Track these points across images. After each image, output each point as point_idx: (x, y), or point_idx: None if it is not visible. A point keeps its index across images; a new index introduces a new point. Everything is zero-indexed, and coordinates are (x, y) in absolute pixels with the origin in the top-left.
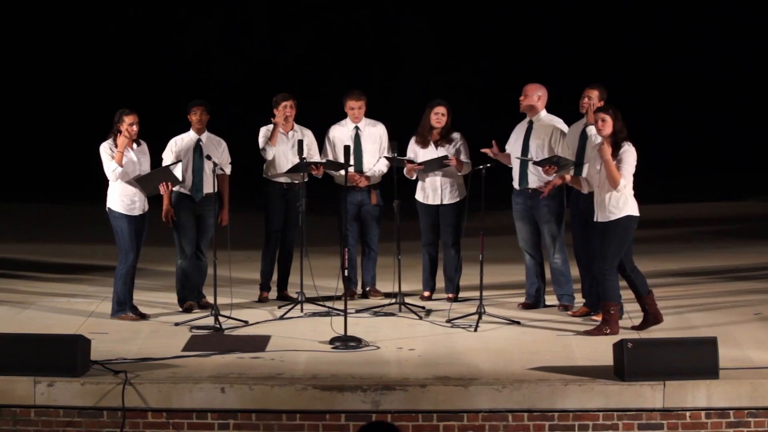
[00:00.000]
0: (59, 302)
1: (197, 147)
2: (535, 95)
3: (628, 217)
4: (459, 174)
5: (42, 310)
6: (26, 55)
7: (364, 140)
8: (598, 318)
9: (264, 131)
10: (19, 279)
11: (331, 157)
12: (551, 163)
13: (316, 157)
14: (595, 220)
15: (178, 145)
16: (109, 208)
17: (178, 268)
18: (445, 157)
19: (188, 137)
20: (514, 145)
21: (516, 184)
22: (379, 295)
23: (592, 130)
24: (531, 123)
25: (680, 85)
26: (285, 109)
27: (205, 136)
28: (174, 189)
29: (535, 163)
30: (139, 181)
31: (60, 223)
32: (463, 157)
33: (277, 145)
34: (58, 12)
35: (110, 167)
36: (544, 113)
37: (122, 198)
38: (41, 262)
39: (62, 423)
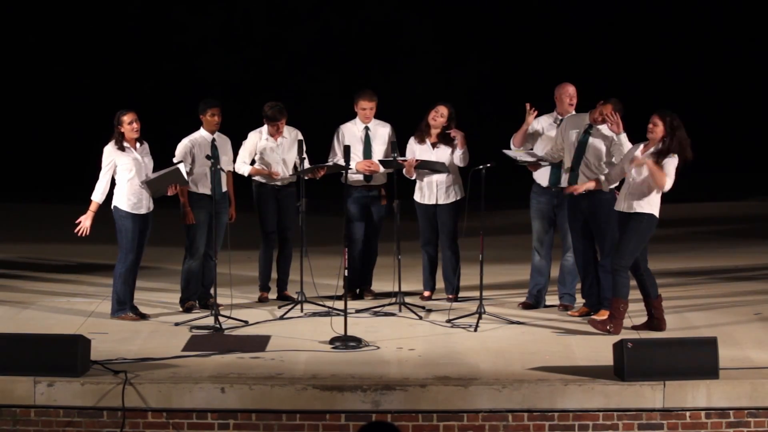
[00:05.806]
0: (59, 302)
1: (213, 146)
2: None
3: (651, 216)
4: (458, 165)
5: (42, 310)
6: (26, 55)
7: (374, 140)
8: (599, 317)
9: (251, 143)
10: (19, 279)
11: (339, 154)
12: (534, 162)
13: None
14: (615, 208)
15: (196, 147)
16: (114, 207)
17: (187, 268)
18: (442, 165)
19: (203, 137)
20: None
21: (543, 182)
22: (370, 296)
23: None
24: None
25: (680, 85)
26: (275, 128)
27: (217, 135)
28: (191, 190)
29: (519, 161)
30: (149, 184)
31: (60, 223)
32: (459, 149)
33: (270, 151)
34: (57, 11)
35: (99, 185)
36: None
37: (129, 197)
38: (41, 262)
39: (62, 423)
